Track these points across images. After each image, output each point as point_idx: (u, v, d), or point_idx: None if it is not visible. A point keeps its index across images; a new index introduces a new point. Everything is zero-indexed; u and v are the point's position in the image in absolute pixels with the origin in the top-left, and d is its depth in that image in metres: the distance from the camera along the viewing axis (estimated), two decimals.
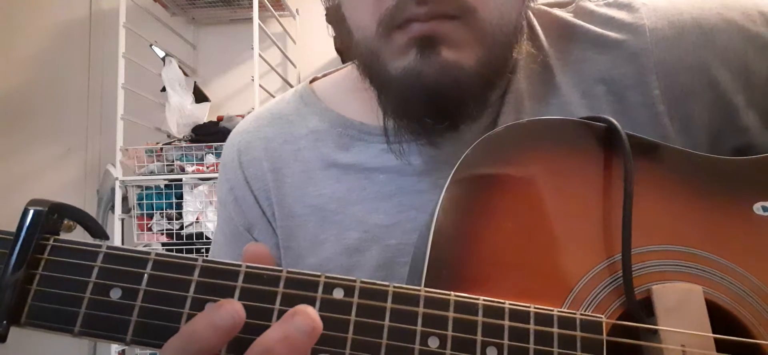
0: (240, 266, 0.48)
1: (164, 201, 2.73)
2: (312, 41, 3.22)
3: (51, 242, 0.47)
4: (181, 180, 2.70)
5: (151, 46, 2.88)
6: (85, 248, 0.48)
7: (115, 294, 0.46)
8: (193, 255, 0.48)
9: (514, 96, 0.69)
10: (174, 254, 0.48)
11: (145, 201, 2.74)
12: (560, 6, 0.74)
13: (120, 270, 0.47)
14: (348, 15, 0.66)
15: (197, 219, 2.69)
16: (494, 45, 0.62)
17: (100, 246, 0.48)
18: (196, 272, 0.47)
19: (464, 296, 0.49)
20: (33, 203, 0.48)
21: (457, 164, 0.55)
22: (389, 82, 0.63)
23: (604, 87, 0.67)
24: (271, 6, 2.95)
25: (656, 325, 0.51)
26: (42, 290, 0.46)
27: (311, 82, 0.83)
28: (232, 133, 0.84)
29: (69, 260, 0.47)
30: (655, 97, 0.65)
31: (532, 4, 0.73)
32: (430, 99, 0.61)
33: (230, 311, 0.44)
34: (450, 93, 0.61)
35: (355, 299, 0.48)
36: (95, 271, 0.47)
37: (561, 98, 0.68)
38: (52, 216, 0.48)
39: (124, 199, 2.77)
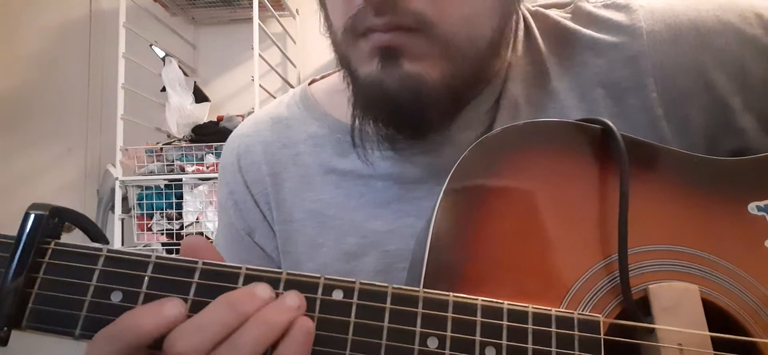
0: (240, 268, 0.48)
1: (164, 201, 2.72)
2: (312, 41, 3.21)
3: (52, 245, 0.48)
4: (181, 180, 2.69)
5: (151, 46, 2.87)
6: (85, 251, 0.48)
7: (116, 297, 0.47)
8: (193, 258, 0.49)
9: (508, 102, 0.69)
10: (174, 256, 0.48)
11: (145, 201, 2.73)
12: (558, 6, 0.74)
13: (121, 273, 0.47)
14: (328, 15, 0.66)
15: (197, 219, 2.68)
16: (463, 58, 0.62)
17: (100, 249, 0.48)
18: (197, 275, 0.48)
19: (463, 296, 0.49)
20: (34, 207, 0.48)
21: (454, 167, 0.55)
22: (358, 84, 0.64)
23: (603, 90, 0.68)
24: (271, 6, 2.94)
25: (653, 324, 0.51)
26: (43, 294, 0.47)
27: (310, 84, 0.83)
28: (230, 137, 0.84)
29: (70, 264, 0.47)
30: (652, 100, 0.65)
31: (529, 7, 0.73)
32: (391, 109, 0.62)
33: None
34: (410, 105, 0.61)
35: (355, 301, 0.48)
36: (96, 274, 0.47)
37: (559, 103, 0.68)
38: (52, 220, 0.48)
39: (124, 199, 2.75)
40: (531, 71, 0.70)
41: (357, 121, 0.68)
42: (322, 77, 0.84)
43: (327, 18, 0.67)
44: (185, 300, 0.47)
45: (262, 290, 0.47)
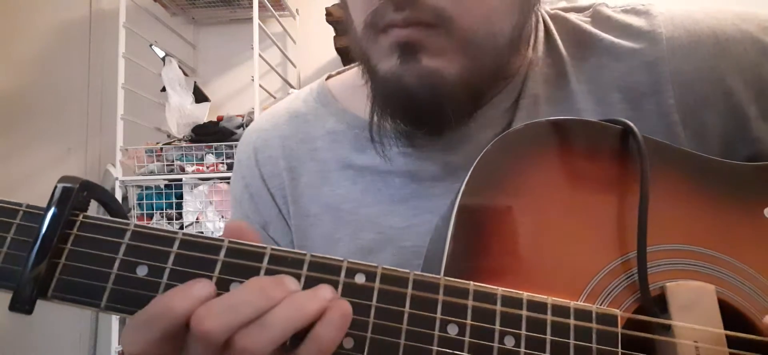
0: (265, 248, 0.48)
1: (164, 201, 2.72)
2: (312, 41, 3.21)
3: (80, 218, 0.48)
4: (181, 180, 2.69)
5: (151, 46, 2.87)
6: (113, 224, 0.48)
7: (142, 271, 0.47)
8: (219, 237, 0.49)
9: (528, 102, 0.69)
10: (201, 234, 0.49)
11: (145, 201, 2.73)
12: (577, 10, 0.75)
13: (147, 248, 0.48)
14: (349, 11, 0.67)
15: (197, 219, 2.68)
16: (482, 55, 0.62)
17: (127, 224, 0.48)
18: (222, 253, 0.48)
19: (483, 285, 0.49)
20: (64, 179, 0.48)
21: (476, 160, 0.56)
22: (377, 80, 0.64)
23: (620, 95, 0.68)
24: (271, 6, 2.94)
25: (670, 321, 0.51)
26: (71, 265, 0.47)
27: (327, 79, 0.84)
28: (247, 131, 0.85)
29: (97, 237, 0.48)
30: (669, 106, 0.66)
31: (548, 10, 0.74)
32: (409, 105, 0.62)
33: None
34: (428, 101, 0.61)
35: (377, 285, 0.48)
36: (123, 248, 0.47)
37: (576, 105, 0.69)
38: (82, 193, 0.48)
39: (124, 199, 2.75)
40: (551, 73, 0.71)
41: (375, 117, 0.68)
42: (339, 73, 0.85)
43: (347, 16, 0.68)
44: (210, 277, 0.47)
45: (291, 282, 0.47)
